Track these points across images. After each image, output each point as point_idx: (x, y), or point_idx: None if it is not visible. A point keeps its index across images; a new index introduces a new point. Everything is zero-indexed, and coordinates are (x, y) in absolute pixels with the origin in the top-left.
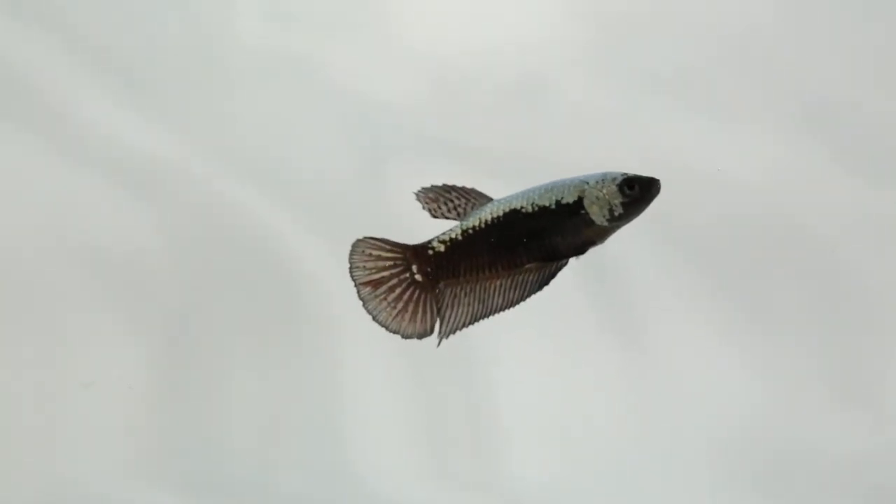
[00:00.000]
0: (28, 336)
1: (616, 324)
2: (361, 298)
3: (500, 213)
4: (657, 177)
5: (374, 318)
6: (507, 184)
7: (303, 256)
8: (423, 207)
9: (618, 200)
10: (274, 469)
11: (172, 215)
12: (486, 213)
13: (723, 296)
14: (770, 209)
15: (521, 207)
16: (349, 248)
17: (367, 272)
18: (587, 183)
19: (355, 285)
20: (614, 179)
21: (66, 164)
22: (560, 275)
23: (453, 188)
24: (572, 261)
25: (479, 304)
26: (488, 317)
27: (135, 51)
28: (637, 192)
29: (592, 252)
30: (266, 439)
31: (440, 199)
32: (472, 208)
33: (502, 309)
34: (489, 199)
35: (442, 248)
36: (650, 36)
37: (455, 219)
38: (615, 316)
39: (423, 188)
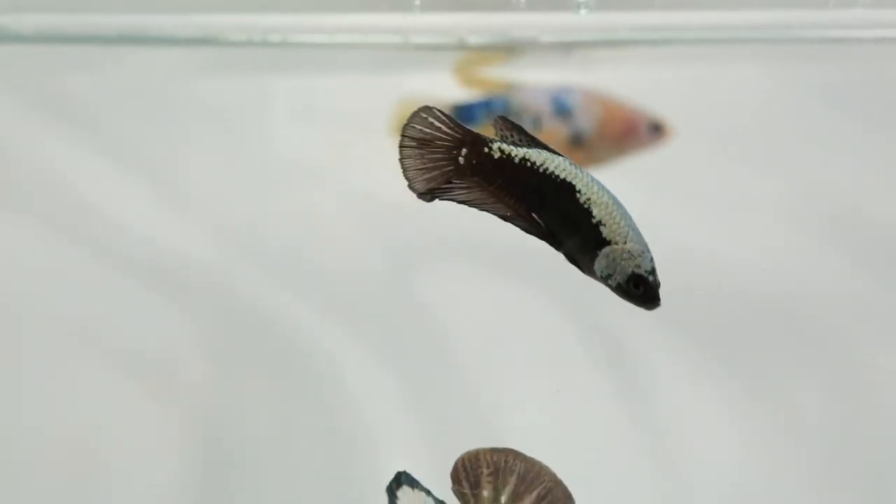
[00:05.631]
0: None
1: (623, 399)
2: (399, 149)
3: (563, 177)
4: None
5: (400, 162)
6: (529, 277)
7: (335, 356)
8: (497, 133)
9: (618, 279)
10: None
11: (204, 317)
12: (552, 165)
13: (728, 379)
14: (775, 296)
15: (580, 192)
16: (383, 342)
17: (420, 133)
18: (624, 240)
19: (402, 137)
20: (637, 266)
21: (99, 266)
22: (567, 352)
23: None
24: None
25: (480, 202)
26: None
27: (168, 152)
28: (633, 291)
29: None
30: None
31: (515, 128)
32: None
33: (503, 219)
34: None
35: (497, 154)
36: None
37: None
38: (623, 390)
39: (497, 119)
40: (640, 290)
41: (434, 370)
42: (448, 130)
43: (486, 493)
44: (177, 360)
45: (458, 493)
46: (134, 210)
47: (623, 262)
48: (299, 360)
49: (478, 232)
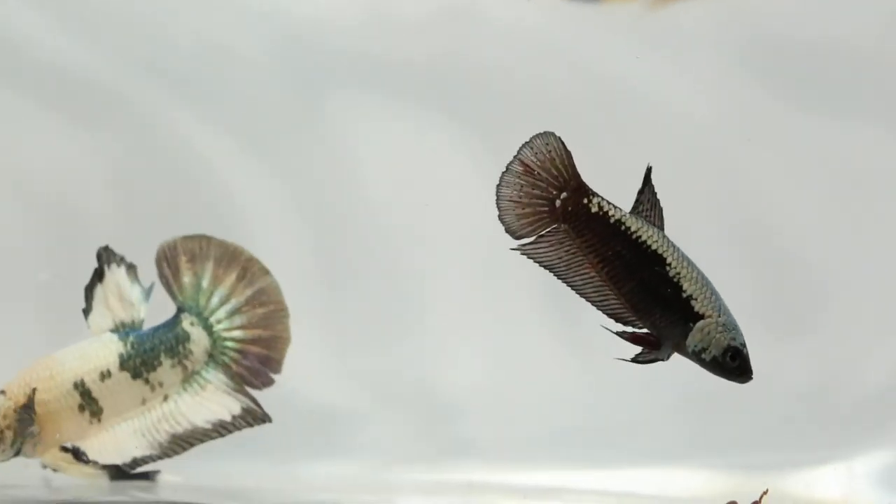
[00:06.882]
0: None
1: None
2: (508, 168)
3: (654, 248)
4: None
5: (498, 187)
6: (439, 100)
7: (236, 177)
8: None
9: (713, 352)
10: None
11: (107, 142)
12: (646, 234)
13: None
14: (709, 143)
15: (669, 265)
16: (291, 168)
17: (533, 159)
18: (718, 314)
19: (515, 157)
20: (732, 339)
21: None
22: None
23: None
24: None
25: (566, 266)
26: (562, 281)
27: None
28: (728, 364)
29: None
30: None
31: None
32: (647, 219)
33: (575, 290)
34: (661, 227)
35: (595, 209)
36: None
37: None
38: None
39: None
40: (737, 362)
41: (343, 203)
42: (559, 166)
43: (186, 280)
44: (77, 183)
45: (162, 278)
46: (36, 33)
47: (718, 336)
48: (202, 188)
49: (388, 48)
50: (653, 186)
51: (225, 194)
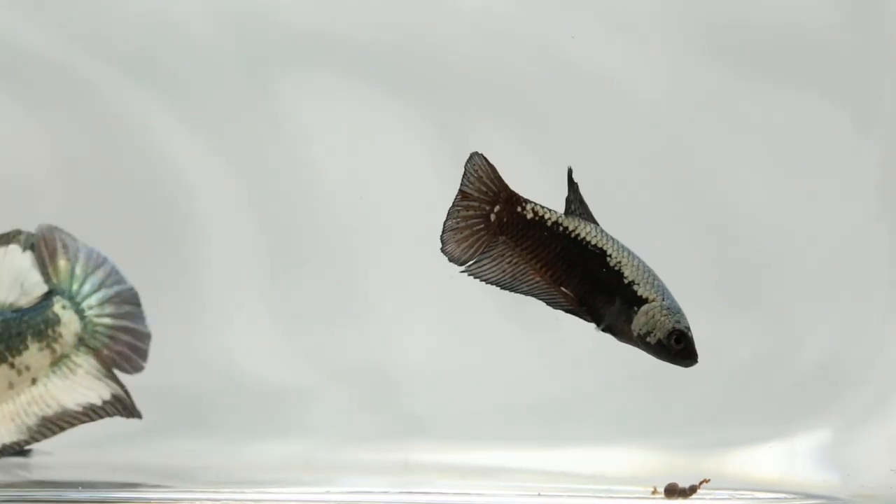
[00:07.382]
0: None
1: None
2: (454, 202)
3: (594, 243)
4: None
5: (445, 220)
6: (393, 81)
7: (184, 155)
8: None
9: (658, 335)
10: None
11: (47, 113)
12: (584, 231)
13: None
14: (662, 121)
15: (610, 256)
16: (239, 147)
17: (469, 184)
18: (661, 297)
19: (460, 190)
20: (677, 322)
21: None
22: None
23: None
24: None
25: (511, 278)
26: (510, 291)
27: None
28: (672, 346)
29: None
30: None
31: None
32: (580, 216)
33: (526, 295)
34: (595, 221)
35: (530, 215)
36: None
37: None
38: None
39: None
40: (681, 345)
41: (292, 182)
42: (487, 182)
43: (62, 263)
44: (21, 159)
45: (38, 259)
46: None
47: (662, 318)
48: (149, 166)
49: (338, 26)
50: (576, 186)
51: (172, 172)
